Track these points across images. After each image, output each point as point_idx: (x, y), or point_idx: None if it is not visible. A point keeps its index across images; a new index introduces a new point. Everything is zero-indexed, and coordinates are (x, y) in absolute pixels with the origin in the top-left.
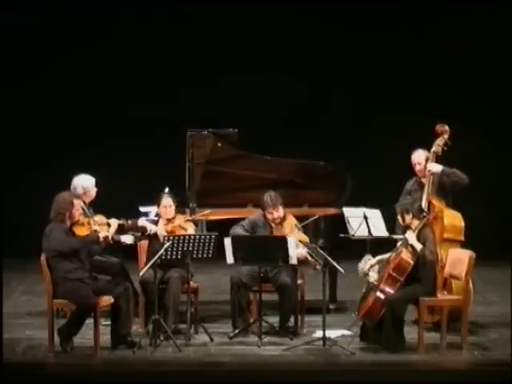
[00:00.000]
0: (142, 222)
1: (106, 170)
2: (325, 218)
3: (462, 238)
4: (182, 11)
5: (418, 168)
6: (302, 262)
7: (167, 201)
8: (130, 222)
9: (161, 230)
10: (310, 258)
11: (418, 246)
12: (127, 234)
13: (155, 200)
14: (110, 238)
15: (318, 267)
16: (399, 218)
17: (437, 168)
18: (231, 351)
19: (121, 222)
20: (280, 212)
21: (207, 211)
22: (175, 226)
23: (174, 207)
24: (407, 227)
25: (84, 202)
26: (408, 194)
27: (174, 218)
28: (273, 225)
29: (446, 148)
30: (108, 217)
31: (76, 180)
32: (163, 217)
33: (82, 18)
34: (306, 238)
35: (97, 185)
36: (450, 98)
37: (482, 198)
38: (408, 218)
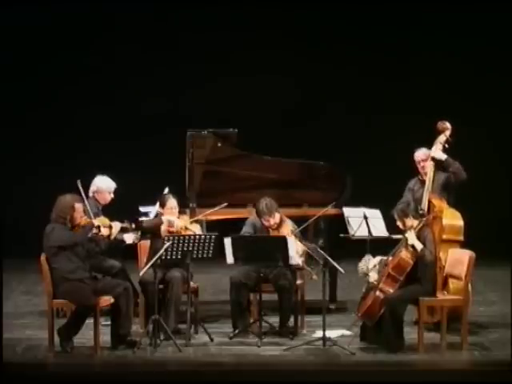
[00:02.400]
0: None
1: (106, 170)
2: (325, 218)
3: (461, 238)
4: (182, 11)
5: (421, 165)
6: (298, 269)
7: (173, 202)
8: (131, 223)
9: (163, 230)
10: (306, 267)
11: (419, 246)
12: (129, 234)
13: (159, 201)
14: (111, 238)
15: (315, 277)
16: (399, 223)
17: (440, 155)
18: (231, 351)
19: (124, 225)
20: (276, 218)
21: (223, 204)
22: (182, 228)
23: (177, 208)
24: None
25: (97, 202)
26: (410, 193)
27: (177, 218)
28: (270, 230)
29: (447, 145)
30: (112, 219)
31: (97, 178)
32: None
33: (83, 18)
34: (301, 246)
35: (115, 191)
36: (450, 98)
37: (482, 198)
38: (408, 220)
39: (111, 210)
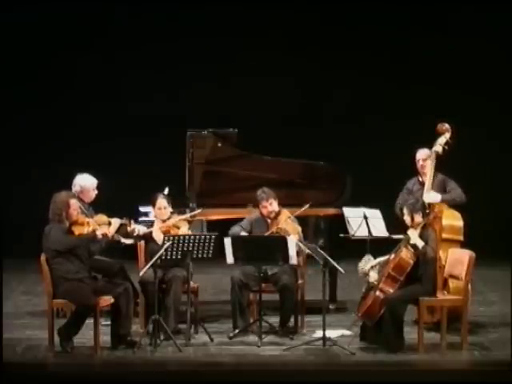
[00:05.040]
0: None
1: (106, 170)
2: (325, 218)
3: (460, 237)
4: (182, 11)
5: (420, 164)
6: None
7: (162, 202)
8: (130, 219)
9: (156, 231)
10: (300, 244)
11: (420, 244)
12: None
13: (151, 201)
14: (109, 235)
15: (303, 246)
16: (407, 218)
17: (434, 198)
18: (231, 351)
19: (123, 221)
20: (274, 206)
21: (198, 211)
22: (169, 226)
23: (168, 208)
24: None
25: (83, 201)
26: (409, 193)
27: (169, 218)
28: (268, 220)
29: (447, 147)
30: (110, 216)
31: (77, 178)
32: (158, 218)
33: (82, 18)
34: (298, 228)
35: (98, 186)
36: (450, 98)
37: (483, 198)
38: (417, 216)
39: (112, 210)
